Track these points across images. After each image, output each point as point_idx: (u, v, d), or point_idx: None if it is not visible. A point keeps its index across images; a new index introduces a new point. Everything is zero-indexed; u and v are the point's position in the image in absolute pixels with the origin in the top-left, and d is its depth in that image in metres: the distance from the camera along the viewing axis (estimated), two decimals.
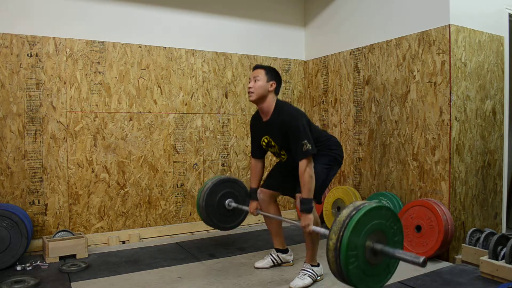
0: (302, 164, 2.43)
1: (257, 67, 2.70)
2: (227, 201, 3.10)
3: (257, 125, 2.79)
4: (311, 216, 2.42)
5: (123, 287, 2.56)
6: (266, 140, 2.72)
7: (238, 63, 4.13)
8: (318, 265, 2.65)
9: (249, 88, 2.62)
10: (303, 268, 2.62)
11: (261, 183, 2.94)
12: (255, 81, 2.60)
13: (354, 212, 1.89)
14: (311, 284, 2.57)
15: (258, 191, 2.89)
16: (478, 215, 3.25)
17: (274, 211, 2.90)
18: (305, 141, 2.44)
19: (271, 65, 4.26)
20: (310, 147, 2.43)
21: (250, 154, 3.01)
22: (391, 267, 2.00)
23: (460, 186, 3.11)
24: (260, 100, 2.63)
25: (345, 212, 1.93)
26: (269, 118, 2.64)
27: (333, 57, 4.14)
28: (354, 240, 1.84)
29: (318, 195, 2.59)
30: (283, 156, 2.72)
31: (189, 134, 3.87)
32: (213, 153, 4.00)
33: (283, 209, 4.41)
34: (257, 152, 2.86)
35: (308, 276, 2.57)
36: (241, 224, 4.06)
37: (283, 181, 2.82)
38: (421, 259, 1.77)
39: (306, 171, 2.42)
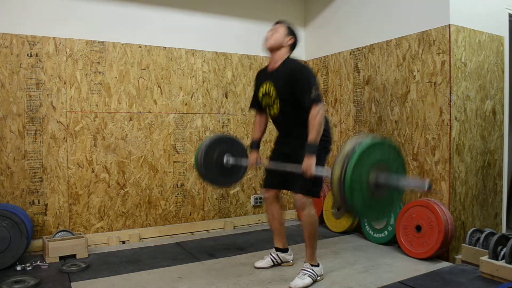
0: (314, 109, 2.46)
1: (280, 21, 2.74)
2: (225, 158, 3.06)
3: (261, 75, 2.82)
4: (313, 160, 2.41)
5: (123, 287, 2.56)
6: (264, 86, 2.71)
7: (238, 63, 4.13)
8: (318, 265, 2.65)
9: (266, 36, 2.68)
10: (303, 268, 2.62)
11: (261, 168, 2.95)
12: (274, 32, 2.66)
13: (357, 146, 1.91)
14: (311, 284, 2.57)
15: (263, 190, 2.91)
16: (478, 215, 3.25)
17: (278, 211, 2.89)
18: (312, 89, 2.48)
19: None
20: (316, 95, 2.47)
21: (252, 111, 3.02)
22: (394, 200, 2.05)
23: (460, 186, 3.11)
24: (274, 49, 2.66)
25: (348, 146, 1.94)
26: (276, 67, 2.67)
27: (333, 57, 4.14)
28: (358, 170, 1.86)
29: (317, 191, 2.61)
30: (274, 108, 2.67)
31: (189, 134, 3.87)
32: None
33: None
34: (256, 104, 2.87)
35: (308, 276, 2.57)
36: (241, 224, 4.09)
37: (279, 174, 2.78)
38: (426, 183, 1.79)
39: (317, 116, 2.46)
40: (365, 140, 1.94)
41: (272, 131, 4.32)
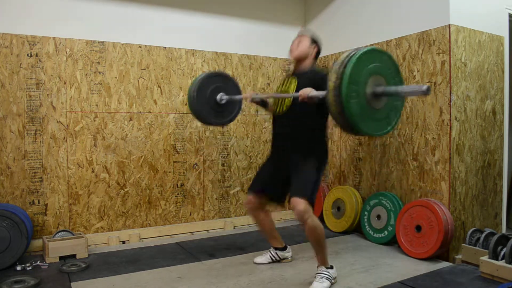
0: None
1: (304, 32, 2.82)
2: (219, 95, 3.01)
3: (286, 76, 2.84)
4: (310, 88, 2.36)
5: (123, 287, 2.56)
6: (286, 81, 2.75)
7: (238, 63, 4.13)
8: (332, 267, 2.60)
9: (292, 47, 2.72)
10: (319, 272, 2.55)
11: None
12: (299, 42, 2.72)
13: (353, 52, 1.87)
14: (330, 287, 2.52)
15: (248, 198, 2.85)
16: (478, 215, 3.25)
17: (264, 217, 2.88)
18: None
19: (271, 65, 4.30)
20: None
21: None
22: (391, 117, 2.00)
23: (460, 186, 3.11)
24: (300, 59, 2.73)
25: (344, 54, 1.90)
26: (303, 72, 2.71)
27: (333, 57, 4.13)
28: (355, 75, 1.81)
29: (312, 197, 2.54)
30: (286, 104, 2.65)
31: (189, 134, 3.87)
32: (213, 153, 4.00)
33: (283, 209, 4.41)
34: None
35: (326, 279, 2.51)
36: (241, 224, 4.09)
37: (271, 178, 2.78)
38: (424, 86, 1.75)
39: None
40: (361, 48, 1.90)
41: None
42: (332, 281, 2.56)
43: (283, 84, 2.79)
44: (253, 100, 2.87)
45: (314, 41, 2.76)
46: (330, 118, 2.58)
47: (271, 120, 2.88)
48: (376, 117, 1.94)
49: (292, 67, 2.83)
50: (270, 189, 2.81)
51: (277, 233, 2.99)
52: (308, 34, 2.77)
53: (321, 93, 2.22)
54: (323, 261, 2.58)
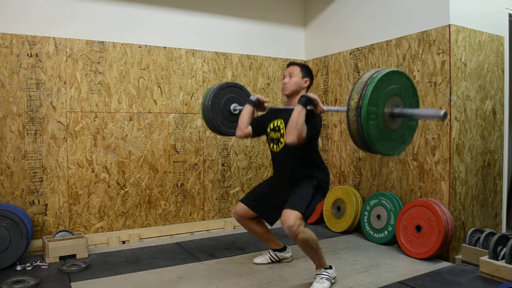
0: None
1: (292, 64, 2.75)
2: (232, 105, 3.07)
3: (273, 112, 2.81)
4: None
5: (123, 287, 2.56)
6: (276, 124, 2.71)
7: (238, 63, 4.13)
8: (330, 267, 2.59)
9: (284, 83, 2.69)
10: (319, 273, 2.54)
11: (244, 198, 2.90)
12: (291, 77, 2.69)
13: (375, 74, 1.93)
14: (330, 287, 2.52)
15: (236, 208, 2.84)
16: (478, 215, 3.25)
17: (254, 224, 2.86)
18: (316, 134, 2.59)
19: (271, 65, 4.30)
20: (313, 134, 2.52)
21: (239, 134, 2.85)
22: (406, 137, 2.07)
23: (460, 186, 3.11)
24: (293, 94, 2.70)
25: (366, 75, 1.96)
26: (290, 108, 2.65)
27: (333, 57, 4.14)
28: (376, 96, 1.88)
29: (306, 212, 2.47)
30: (279, 144, 2.67)
31: (189, 134, 3.87)
32: (213, 153, 4.00)
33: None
34: (254, 127, 2.79)
35: (326, 279, 2.51)
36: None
37: (266, 200, 2.78)
38: (442, 112, 1.80)
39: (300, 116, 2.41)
40: (383, 70, 1.96)
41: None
42: (332, 280, 2.56)
43: (273, 129, 2.73)
44: (265, 109, 2.87)
45: (306, 73, 2.71)
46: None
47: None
48: (392, 137, 2.02)
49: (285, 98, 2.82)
50: (261, 211, 2.81)
51: (273, 235, 2.97)
52: (298, 66, 2.71)
53: (335, 108, 2.35)
54: (321, 264, 2.57)
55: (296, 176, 2.64)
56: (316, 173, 2.63)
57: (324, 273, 2.54)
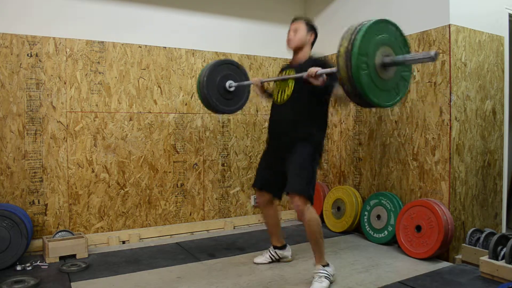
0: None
1: (296, 19, 2.76)
2: (228, 83, 3.06)
3: (284, 68, 2.85)
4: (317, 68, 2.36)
5: (123, 287, 2.56)
6: (284, 72, 2.75)
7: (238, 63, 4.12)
8: (328, 265, 2.61)
9: (289, 38, 2.73)
10: (317, 271, 2.55)
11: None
12: (295, 31, 2.71)
13: (365, 21, 1.90)
14: (329, 286, 2.52)
15: (256, 194, 2.89)
16: (478, 215, 3.25)
17: (272, 213, 2.88)
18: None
19: (271, 65, 4.30)
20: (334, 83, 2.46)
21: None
22: (400, 87, 2.02)
23: (460, 186, 3.11)
24: (298, 49, 2.73)
25: (355, 24, 1.92)
26: (300, 62, 2.71)
27: (333, 57, 4.13)
28: (366, 44, 1.83)
29: (309, 190, 2.55)
30: (286, 91, 2.66)
31: (189, 134, 3.87)
32: (213, 153, 4.00)
33: (283, 209, 4.41)
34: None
35: (325, 278, 2.52)
36: (241, 224, 4.09)
37: (269, 175, 2.79)
38: (432, 52, 1.78)
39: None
40: (371, 19, 1.93)
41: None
42: (331, 278, 2.57)
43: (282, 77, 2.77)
44: (261, 84, 2.88)
45: (311, 28, 2.75)
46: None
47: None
48: (386, 87, 1.97)
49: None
50: (269, 188, 2.83)
51: (279, 230, 2.98)
52: (303, 20, 2.74)
53: (328, 70, 2.25)
54: (320, 259, 2.59)
55: (292, 134, 2.62)
56: (311, 134, 2.62)
57: (322, 271, 2.55)
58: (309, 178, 2.55)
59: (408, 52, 2.04)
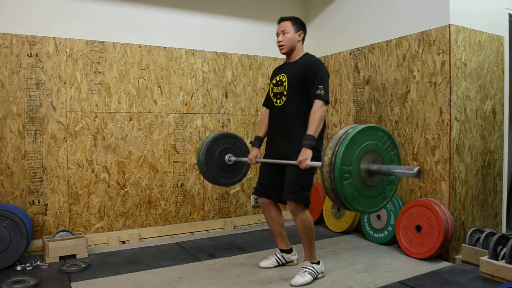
0: (316, 104, 2.51)
1: (282, 19, 2.73)
2: (227, 156, 3.09)
3: (277, 70, 2.85)
4: (309, 153, 2.41)
5: (123, 287, 2.56)
6: (278, 79, 2.75)
7: (238, 63, 4.13)
8: (318, 263, 2.66)
9: (279, 42, 2.70)
10: (304, 266, 2.64)
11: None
12: (284, 34, 2.68)
13: (350, 130, 1.87)
14: (312, 281, 2.59)
15: (259, 200, 2.92)
16: (478, 215, 3.25)
17: (275, 214, 2.88)
18: (321, 86, 2.52)
19: (271, 65, 4.30)
20: (324, 94, 2.51)
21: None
22: (387, 192, 1.97)
23: (460, 186, 3.11)
24: (290, 51, 2.72)
25: (342, 130, 1.91)
26: (294, 60, 2.72)
27: (333, 57, 4.14)
28: (350, 154, 1.81)
29: (307, 197, 2.61)
30: (282, 99, 2.69)
31: (189, 134, 3.87)
32: None
33: (283, 208, 4.40)
34: (269, 100, 2.87)
35: (308, 273, 2.59)
36: (241, 224, 4.09)
37: (271, 183, 2.81)
38: (415, 169, 1.76)
39: (319, 111, 2.49)
40: (358, 126, 1.91)
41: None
42: (318, 275, 2.63)
43: (276, 82, 2.77)
44: (255, 162, 2.90)
45: (298, 26, 2.72)
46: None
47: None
48: (372, 194, 1.93)
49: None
50: (270, 194, 2.84)
51: (285, 233, 2.96)
52: (289, 21, 2.70)
53: (318, 164, 2.24)
54: (310, 256, 2.65)
55: (291, 135, 2.63)
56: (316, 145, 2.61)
57: (308, 267, 2.61)
58: (305, 184, 2.60)
59: (398, 154, 2.02)
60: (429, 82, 3.17)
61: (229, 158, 3.09)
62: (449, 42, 3.02)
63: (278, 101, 2.73)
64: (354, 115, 3.89)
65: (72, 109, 3.36)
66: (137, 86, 3.62)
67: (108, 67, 3.49)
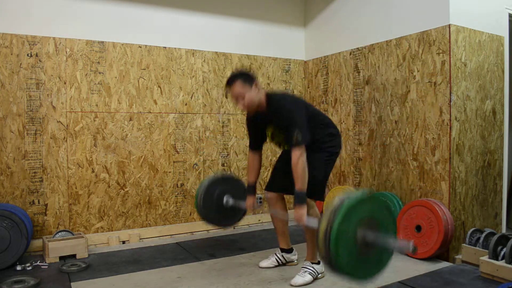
0: (294, 154, 2.38)
1: (230, 82, 2.51)
2: (225, 199, 3.08)
3: (257, 118, 2.69)
4: (304, 209, 2.38)
5: (123, 287, 2.56)
6: (271, 131, 2.68)
7: (238, 63, 4.13)
8: (318, 263, 2.66)
9: (241, 107, 2.53)
10: (304, 266, 2.64)
11: (263, 183, 2.94)
12: (242, 98, 2.47)
13: (346, 199, 1.87)
14: (312, 282, 2.59)
15: (265, 193, 2.90)
16: (478, 215, 3.25)
17: (281, 209, 2.87)
18: (296, 130, 2.37)
19: (271, 65, 4.30)
20: (301, 138, 2.37)
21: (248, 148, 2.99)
22: (384, 260, 1.96)
23: (460, 186, 3.11)
24: (257, 107, 2.55)
25: (338, 199, 1.91)
26: (265, 111, 2.59)
27: (333, 57, 4.14)
28: (345, 226, 1.82)
29: (319, 193, 2.61)
30: (286, 144, 2.66)
31: (189, 134, 3.87)
32: (213, 153, 4.00)
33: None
34: (254, 142, 2.81)
35: (308, 274, 2.59)
36: (241, 224, 4.09)
37: (284, 177, 2.75)
38: (411, 245, 1.77)
39: (299, 162, 2.37)
40: (354, 195, 1.91)
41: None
42: (319, 275, 2.63)
43: (272, 134, 2.71)
44: (253, 209, 2.89)
45: (247, 80, 2.48)
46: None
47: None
48: (368, 261, 1.93)
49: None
50: (280, 189, 2.83)
51: (288, 232, 2.96)
52: (238, 80, 2.47)
53: (314, 225, 2.27)
54: (311, 256, 2.65)
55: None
56: (324, 145, 2.62)
57: (308, 267, 2.62)
58: (316, 183, 2.54)
59: (394, 221, 2.02)
60: (429, 82, 3.17)
61: (227, 201, 3.07)
62: (449, 42, 3.02)
63: (286, 146, 2.68)
64: (354, 115, 3.89)
65: (72, 109, 3.36)
66: (137, 86, 3.62)
67: (108, 67, 3.49)
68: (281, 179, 2.80)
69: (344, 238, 1.81)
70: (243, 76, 2.50)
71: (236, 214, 3.18)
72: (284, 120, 2.44)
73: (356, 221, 1.86)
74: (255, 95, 2.48)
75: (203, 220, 3.09)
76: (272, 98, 2.56)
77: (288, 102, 2.53)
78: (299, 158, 2.37)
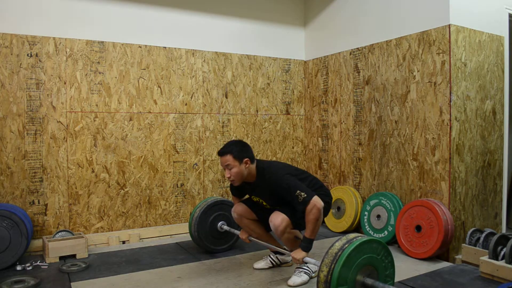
0: (308, 209, 2.40)
1: (222, 154, 2.57)
2: (219, 224, 3.20)
3: (243, 185, 2.75)
4: (305, 254, 2.41)
5: (123, 287, 2.56)
6: (256, 199, 2.77)
7: (238, 63, 4.13)
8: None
9: (228, 177, 2.58)
10: (298, 266, 2.66)
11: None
12: (230, 169, 2.55)
13: (346, 245, 1.93)
14: (308, 281, 2.61)
15: (236, 207, 2.87)
16: (478, 215, 3.25)
17: (256, 225, 2.86)
18: (298, 191, 2.42)
19: (271, 65, 4.30)
20: (306, 195, 2.40)
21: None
22: None
23: (460, 186, 3.11)
24: (244, 179, 2.63)
25: (337, 245, 1.97)
26: (254, 181, 2.66)
27: (333, 57, 4.14)
28: (345, 273, 1.89)
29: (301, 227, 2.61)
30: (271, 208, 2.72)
31: (189, 134, 3.87)
32: (213, 153, 4.00)
33: None
34: (237, 195, 2.93)
35: (304, 273, 2.62)
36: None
37: (253, 206, 2.84)
38: None
39: (312, 212, 2.39)
40: (354, 239, 1.95)
41: (271, 131, 4.34)
42: (312, 274, 2.66)
43: (258, 201, 2.78)
44: (249, 240, 2.93)
45: (240, 156, 2.54)
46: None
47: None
48: None
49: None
50: (260, 216, 2.85)
51: (273, 237, 2.94)
52: (229, 154, 2.53)
53: (312, 263, 2.35)
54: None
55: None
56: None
57: (303, 267, 2.64)
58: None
59: (392, 262, 2.08)
60: (429, 82, 3.17)
61: (221, 226, 3.19)
62: (449, 42, 3.02)
63: (269, 206, 2.73)
64: (354, 115, 3.89)
65: (72, 109, 3.36)
66: (137, 86, 3.62)
67: (108, 67, 3.49)
68: (251, 203, 2.84)
69: (344, 287, 1.89)
70: (235, 152, 2.55)
71: (230, 239, 3.30)
72: (287, 191, 2.47)
73: (356, 266, 1.92)
74: (243, 170, 2.56)
75: (198, 244, 3.20)
76: (263, 170, 2.61)
77: (279, 173, 2.55)
78: (311, 210, 2.39)
